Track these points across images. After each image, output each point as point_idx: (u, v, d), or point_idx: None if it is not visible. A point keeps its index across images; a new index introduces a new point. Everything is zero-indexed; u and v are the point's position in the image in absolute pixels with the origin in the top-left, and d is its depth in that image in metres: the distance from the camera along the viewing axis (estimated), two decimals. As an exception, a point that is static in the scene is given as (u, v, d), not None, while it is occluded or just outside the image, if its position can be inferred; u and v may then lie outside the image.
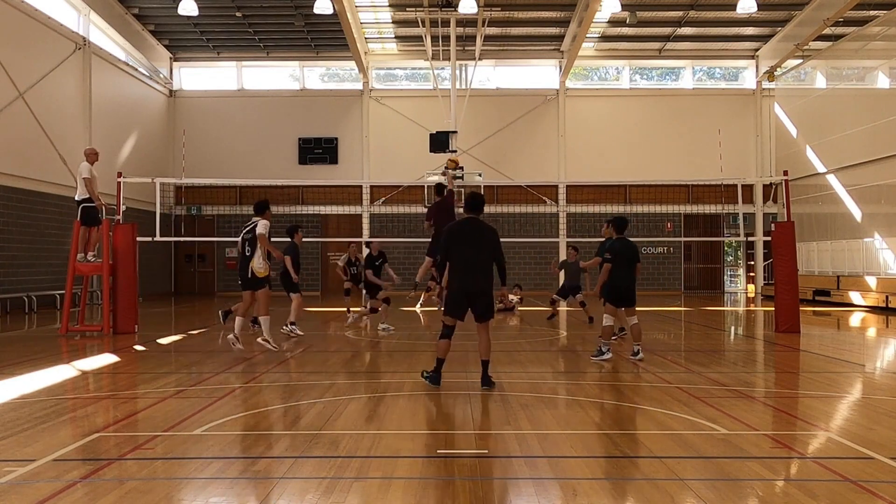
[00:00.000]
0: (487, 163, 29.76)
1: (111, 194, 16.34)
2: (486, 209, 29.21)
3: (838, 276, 24.39)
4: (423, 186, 26.98)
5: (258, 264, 10.79)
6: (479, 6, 25.18)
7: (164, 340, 13.97)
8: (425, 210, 27.60)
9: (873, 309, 21.31)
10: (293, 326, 13.73)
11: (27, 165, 21.18)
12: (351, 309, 16.57)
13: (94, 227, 14.61)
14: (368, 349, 12.94)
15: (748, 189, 30.57)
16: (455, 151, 25.82)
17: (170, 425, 6.56)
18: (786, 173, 15.94)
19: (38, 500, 4.56)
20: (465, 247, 8.26)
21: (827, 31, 25.78)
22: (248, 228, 10.98)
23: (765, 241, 28.99)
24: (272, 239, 11.23)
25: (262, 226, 10.80)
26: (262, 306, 10.89)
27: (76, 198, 14.61)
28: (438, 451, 5.78)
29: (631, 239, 10.85)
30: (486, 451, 5.77)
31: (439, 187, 13.38)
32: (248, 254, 10.84)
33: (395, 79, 32.59)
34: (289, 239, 14.09)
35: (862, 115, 23.78)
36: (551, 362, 11.09)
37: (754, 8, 24.56)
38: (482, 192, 9.03)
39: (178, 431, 6.34)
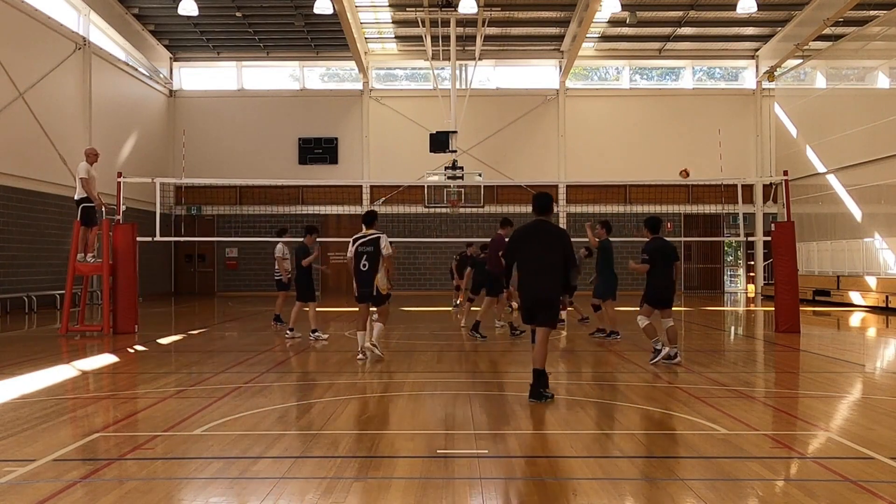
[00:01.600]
0: (487, 163, 29.76)
1: (111, 194, 16.34)
2: (487, 208, 29.01)
3: (838, 276, 24.38)
4: (423, 186, 27.00)
5: (383, 282, 10.47)
6: (479, 6, 25.17)
7: (164, 340, 13.96)
8: (426, 210, 27.45)
9: (873, 309, 21.31)
10: (317, 333, 13.38)
11: (27, 165, 21.18)
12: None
13: (93, 227, 14.62)
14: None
15: (748, 189, 30.56)
16: (455, 151, 25.82)
17: (170, 425, 6.56)
18: (786, 173, 15.94)
19: (37, 500, 4.56)
20: (534, 249, 7.75)
21: (827, 31, 25.78)
22: (365, 240, 10.51)
23: (765, 241, 28.98)
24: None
25: (387, 244, 10.50)
26: (384, 316, 10.91)
27: (75, 197, 14.62)
28: (438, 451, 5.78)
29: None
30: (486, 451, 5.76)
31: (504, 221, 13.51)
32: (364, 268, 10.47)
33: (395, 79, 32.59)
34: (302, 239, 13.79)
35: (862, 115, 23.78)
36: (551, 362, 11.06)
37: (754, 8, 24.55)
38: (548, 194, 8.30)
39: (178, 431, 6.34)
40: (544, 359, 7.70)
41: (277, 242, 16.13)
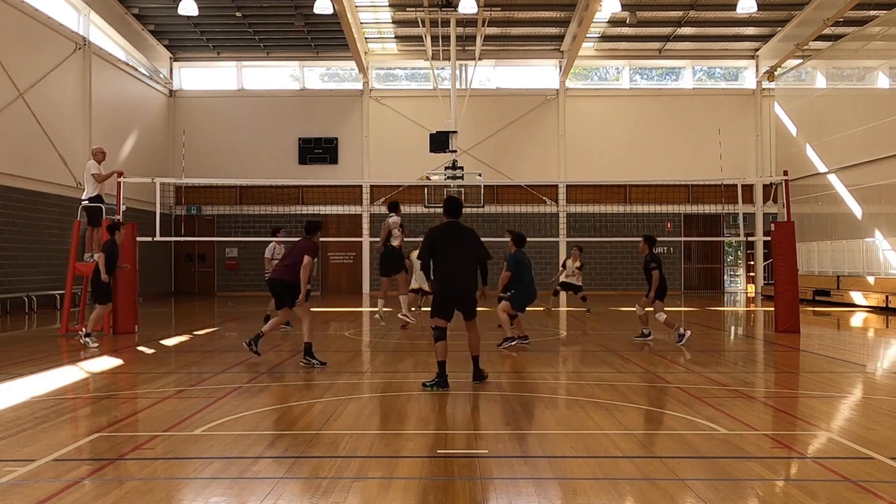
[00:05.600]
0: (487, 163, 29.77)
1: (111, 194, 16.31)
2: (488, 209, 29.13)
3: (838, 276, 24.38)
4: (424, 186, 26.99)
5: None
6: (479, 6, 25.16)
7: (168, 342, 13.94)
8: (426, 210, 27.62)
9: (874, 309, 21.31)
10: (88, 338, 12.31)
11: (27, 165, 21.17)
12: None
13: (98, 227, 14.64)
14: (368, 349, 12.94)
15: (748, 189, 30.56)
16: (455, 151, 25.81)
17: (170, 425, 6.56)
18: (786, 173, 15.94)
19: (37, 500, 4.56)
20: (451, 249, 8.48)
21: (827, 31, 25.78)
22: None
23: (765, 241, 28.98)
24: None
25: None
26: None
27: (83, 198, 14.65)
28: (438, 451, 5.78)
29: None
30: (486, 451, 5.76)
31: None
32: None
33: (396, 79, 32.59)
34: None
35: (862, 114, 23.78)
36: (551, 362, 11.09)
37: (754, 8, 24.54)
38: (459, 196, 9.56)
39: (177, 431, 6.34)
40: (479, 345, 8.75)
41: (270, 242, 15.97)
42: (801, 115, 28.24)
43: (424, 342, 13.35)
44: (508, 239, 12.39)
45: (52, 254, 21.48)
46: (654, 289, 12.70)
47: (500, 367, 10.01)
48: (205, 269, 31.52)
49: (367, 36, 29.91)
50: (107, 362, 10.90)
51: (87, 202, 14.51)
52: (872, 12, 24.45)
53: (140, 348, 12.57)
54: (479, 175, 26.05)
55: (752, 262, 31.72)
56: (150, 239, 16.95)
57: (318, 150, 31.20)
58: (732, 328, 17.52)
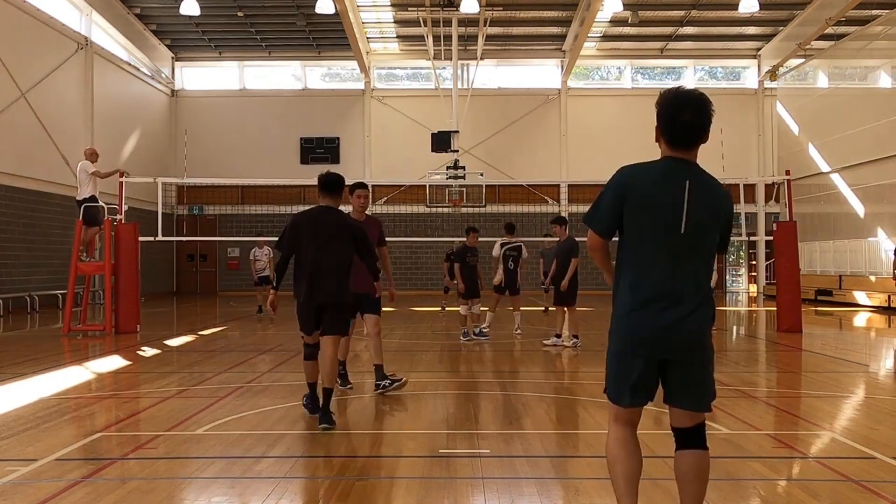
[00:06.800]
0: (489, 162, 29.74)
1: (113, 194, 16.36)
2: (489, 208, 28.80)
3: (840, 276, 24.35)
4: (425, 186, 27.00)
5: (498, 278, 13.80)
6: (480, 6, 25.15)
7: (170, 342, 13.93)
8: (427, 209, 27.31)
9: (876, 309, 21.28)
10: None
11: (29, 165, 21.19)
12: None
13: (96, 227, 14.65)
14: (368, 349, 12.91)
15: (750, 189, 30.49)
16: (457, 151, 25.81)
17: (172, 425, 6.56)
18: (788, 173, 15.93)
19: (40, 499, 4.56)
20: (317, 241, 6.39)
21: (829, 30, 25.75)
22: (512, 246, 13.59)
23: (767, 241, 28.95)
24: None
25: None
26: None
27: (78, 198, 14.65)
28: (440, 451, 5.78)
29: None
30: (488, 451, 5.76)
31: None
32: (511, 268, 13.62)
33: (397, 78, 32.59)
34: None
35: (864, 114, 23.74)
36: (551, 362, 11.08)
37: (756, 7, 24.52)
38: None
39: (179, 431, 6.34)
40: (332, 374, 6.53)
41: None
42: (803, 115, 28.21)
43: (426, 342, 13.35)
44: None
45: (55, 253, 21.50)
46: (567, 278, 11.50)
47: (500, 367, 10.01)
48: (207, 269, 31.53)
49: (368, 36, 29.92)
50: (109, 362, 10.91)
51: (84, 203, 14.56)
52: (875, 12, 24.42)
53: (143, 348, 12.58)
54: (481, 175, 26.04)
55: (754, 262, 31.68)
56: (151, 239, 16.94)
57: (320, 150, 31.20)
58: (734, 328, 17.50)
